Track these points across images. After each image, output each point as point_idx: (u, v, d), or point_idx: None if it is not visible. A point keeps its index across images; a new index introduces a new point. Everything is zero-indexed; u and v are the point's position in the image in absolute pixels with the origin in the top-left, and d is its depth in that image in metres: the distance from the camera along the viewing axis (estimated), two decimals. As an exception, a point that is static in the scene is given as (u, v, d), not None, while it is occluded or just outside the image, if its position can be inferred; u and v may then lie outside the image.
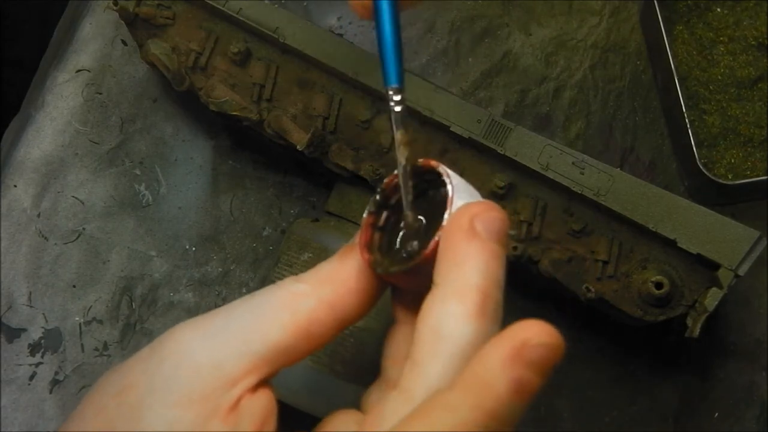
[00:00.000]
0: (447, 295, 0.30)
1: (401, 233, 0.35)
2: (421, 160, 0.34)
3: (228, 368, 0.31)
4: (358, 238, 0.35)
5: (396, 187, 0.35)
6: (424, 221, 0.35)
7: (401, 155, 0.34)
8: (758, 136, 0.58)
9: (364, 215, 0.35)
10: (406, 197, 0.34)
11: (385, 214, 0.35)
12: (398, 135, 0.34)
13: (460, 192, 0.32)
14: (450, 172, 0.33)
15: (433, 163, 0.34)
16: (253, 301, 0.33)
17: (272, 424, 0.32)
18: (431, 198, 0.35)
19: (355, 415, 0.34)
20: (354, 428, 0.31)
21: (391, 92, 0.35)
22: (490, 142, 0.51)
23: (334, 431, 0.32)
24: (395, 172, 0.35)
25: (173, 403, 0.30)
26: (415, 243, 0.34)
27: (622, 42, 0.63)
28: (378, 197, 0.35)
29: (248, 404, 0.31)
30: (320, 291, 0.33)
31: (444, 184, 0.32)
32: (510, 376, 0.28)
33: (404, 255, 0.34)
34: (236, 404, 0.31)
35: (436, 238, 0.31)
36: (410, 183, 0.34)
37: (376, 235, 0.35)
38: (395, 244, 0.35)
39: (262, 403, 0.31)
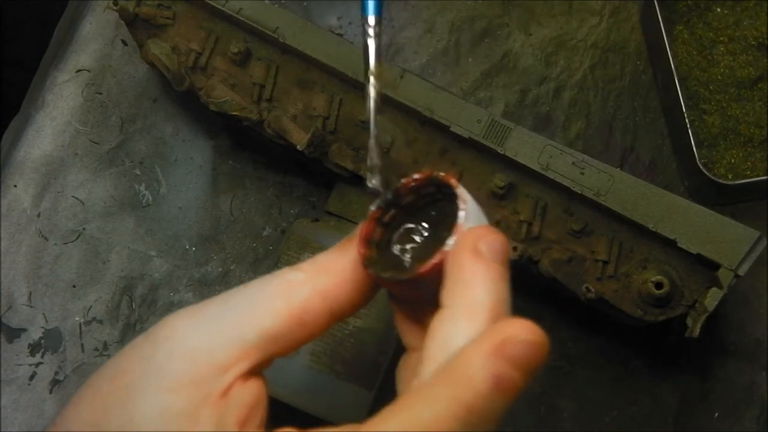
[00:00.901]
0: (456, 315, 0.30)
1: (402, 234, 0.35)
2: (442, 174, 0.34)
3: (220, 354, 0.31)
4: (360, 229, 0.35)
5: (410, 190, 0.35)
6: (424, 230, 0.35)
7: (371, 87, 0.34)
8: (758, 136, 0.58)
9: (372, 208, 0.35)
10: (373, 126, 0.35)
11: (392, 212, 0.36)
12: (372, 67, 0.35)
13: (470, 218, 0.32)
14: (466, 196, 0.33)
15: (453, 182, 0.34)
16: (248, 290, 0.33)
17: (259, 414, 0.32)
18: (441, 208, 0.35)
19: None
20: None
21: (369, 23, 0.36)
22: (490, 142, 0.51)
23: None
24: (414, 176, 0.35)
25: (165, 387, 0.30)
26: (412, 253, 0.35)
27: (622, 42, 0.63)
28: (390, 195, 0.35)
29: (237, 392, 0.31)
30: (316, 280, 0.33)
31: (457, 207, 0.33)
32: (490, 371, 0.28)
33: (403, 261, 0.34)
34: (227, 391, 0.31)
35: (435, 260, 0.31)
36: (376, 114, 0.35)
37: (378, 230, 0.35)
38: (394, 243, 0.35)
39: (251, 393, 0.31)
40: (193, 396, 0.30)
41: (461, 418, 0.27)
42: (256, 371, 0.32)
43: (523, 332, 0.28)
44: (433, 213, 0.35)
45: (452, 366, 0.28)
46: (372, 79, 0.35)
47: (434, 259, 0.32)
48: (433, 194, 0.35)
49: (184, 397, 0.30)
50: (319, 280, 0.33)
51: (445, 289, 0.31)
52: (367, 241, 0.34)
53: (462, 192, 0.33)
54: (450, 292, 0.31)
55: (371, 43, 0.35)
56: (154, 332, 0.32)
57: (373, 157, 0.35)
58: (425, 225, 0.35)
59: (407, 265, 0.34)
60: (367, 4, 0.36)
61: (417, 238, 0.35)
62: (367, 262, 0.34)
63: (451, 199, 0.33)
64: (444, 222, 0.33)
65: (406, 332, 0.36)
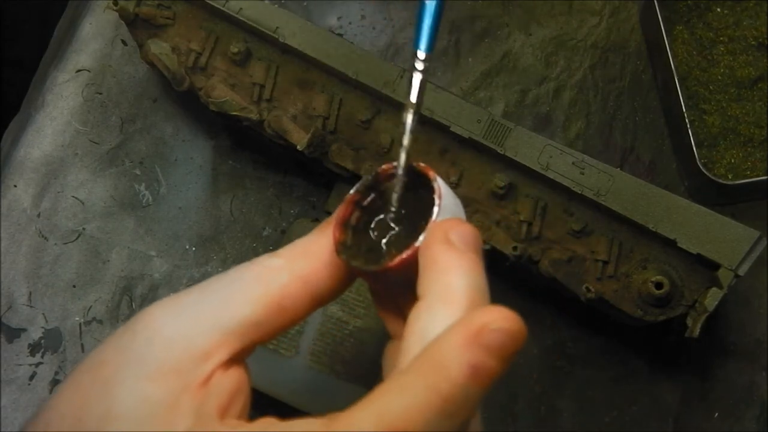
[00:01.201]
0: (433, 304, 0.30)
1: (381, 219, 0.35)
2: (422, 165, 0.34)
3: (199, 342, 0.31)
4: (336, 212, 0.35)
5: (390, 176, 0.35)
6: (403, 216, 0.35)
7: (409, 119, 0.34)
8: (758, 136, 0.58)
9: (351, 191, 0.35)
10: (405, 153, 0.34)
11: (371, 196, 0.36)
12: (413, 100, 0.34)
13: (444, 213, 0.32)
14: (443, 190, 0.33)
15: (431, 174, 0.34)
16: (227, 277, 0.33)
17: (241, 401, 0.31)
18: (420, 196, 0.35)
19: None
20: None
21: (419, 57, 0.35)
22: (490, 142, 0.51)
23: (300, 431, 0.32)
24: (394, 164, 0.35)
25: (145, 377, 0.30)
26: (389, 239, 0.34)
27: (622, 42, 0.63)
28: (370, 179, 0.35)
29: (218, 380, 0.31)
30: (294, 265, 0.33)
31: (433, 201, 0.32)
32: (466, 359, 0.27)
33: (380, 247, 0.34)
34: (207, 379, 0.31)
35: (404, 255, 0.31)
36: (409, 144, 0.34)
37: (356, 214, 0.35)
38: (370, 228, 0.35)
39: (232, 380, 0.31)
40: (173, 385, 0.30)
41: (436, 408, 0.27)
42: (237, 359, 0.32)
43: (500, 319, 0.28)
44: (413, 200, 0.35)
45: (427, 354, 0.28)
46: (410, 113, 0.34)
47: (404, 254, 0.31)
48: (414, 181, 0.35)
49: (164, 387, 0.30)
50: (297, 264, 0.33)
51: (420, 281, 0.31)
52: (344, 225, 0.34)
53: (438, 186, 0.33)
54: (425, 284, 0.31)
55: (416, 78, 0.34)
56: (133, 323, 0.32)
57: (399, 189, 0.35)
58: (404, 211, 0.35)
59: (383, 251, 0.34)
60: (420, 38, 0.35)
61: (395, 225, 0.35)
62: (340, 248, 0.33)
63: (430, 189, 0.33)
64: (422, 210, 0.33)
65: (388, 320, 0.36)
